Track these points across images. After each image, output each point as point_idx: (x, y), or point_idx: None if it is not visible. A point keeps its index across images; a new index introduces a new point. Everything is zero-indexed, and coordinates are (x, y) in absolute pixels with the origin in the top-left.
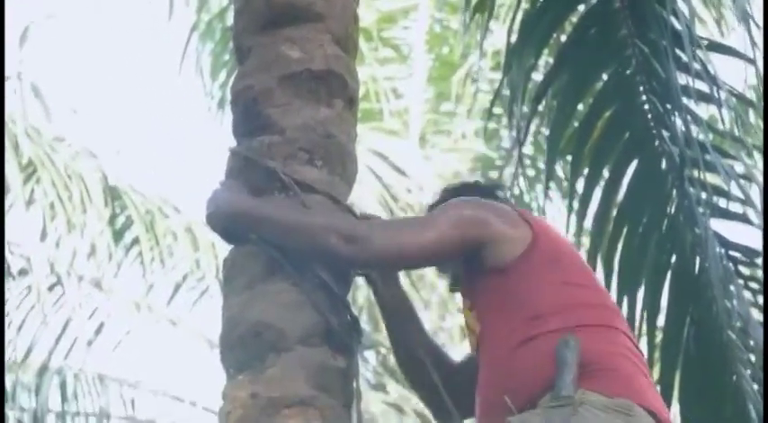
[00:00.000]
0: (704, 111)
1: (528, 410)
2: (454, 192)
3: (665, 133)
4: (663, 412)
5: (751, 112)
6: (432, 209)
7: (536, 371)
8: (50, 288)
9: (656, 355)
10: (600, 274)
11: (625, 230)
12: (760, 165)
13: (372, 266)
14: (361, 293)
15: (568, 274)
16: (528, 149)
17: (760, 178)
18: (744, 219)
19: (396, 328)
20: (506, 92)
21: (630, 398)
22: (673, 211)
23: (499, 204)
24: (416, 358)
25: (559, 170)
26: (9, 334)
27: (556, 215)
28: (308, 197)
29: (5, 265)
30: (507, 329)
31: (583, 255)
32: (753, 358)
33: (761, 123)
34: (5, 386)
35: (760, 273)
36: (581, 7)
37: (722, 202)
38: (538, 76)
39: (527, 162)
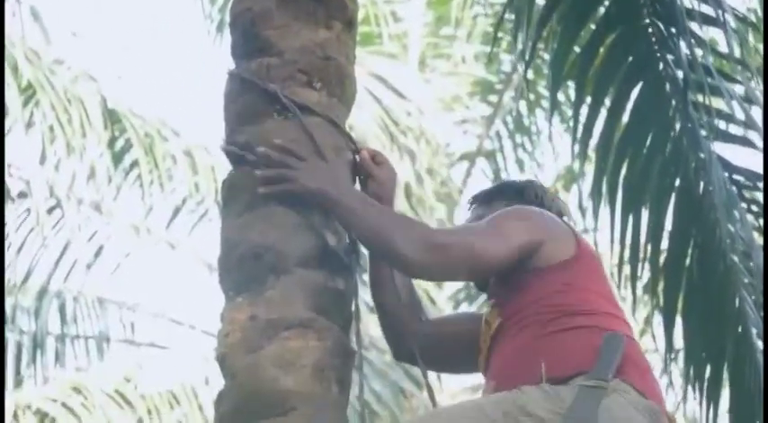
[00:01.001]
0: (705, 33)
1: (561, 386)
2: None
3: (670, 57)
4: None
5: (751, 35)
6: (487, 199)
7: (572, 356)
8: (50, 211)
9: (660, 278)
10: (604, 197)
11: (629, 154)
12: (761, 87)
13: (442, 276)
14: None
15: (602, 288)
16: (528, 73)
17: (762, 100)
18: (747, 142)
19: (377, 261)
20: (510, 15)
21: (659, 404)
22: (676, 134)
23: (551, 214)
24: (391, 299)
25: (560, 95)
26: (8, 256)
27: (556, 139)
28: (308, 119)
29: (5, 188)
30: (541, 321)
31: (588, 179)
32: (755, 282)
33: (760, 46)
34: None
35: (762, 196)
36: None
37: (725, 126)
38: (541, 1)
39: (527, 86)
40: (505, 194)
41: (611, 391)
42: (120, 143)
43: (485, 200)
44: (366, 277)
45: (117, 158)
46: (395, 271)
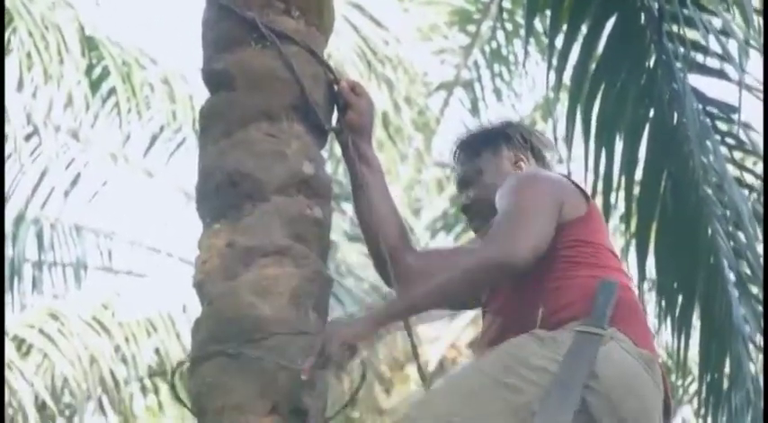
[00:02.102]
0: None
1: (557, 330)
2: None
3: None
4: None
5: None
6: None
7: (571, 302)
8: (27, 138)
9: (633, 208)
10: (578, 128)
11: (603, 85)
12: (738, 20)
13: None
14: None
15: (607, 243)
16: (506, 3)
17: (739, 33)
18: (721, 74)
19: (361, 188)
20: None
21: (653, 353)
22: (651, 65)
23: (558, 177)
24: (377, 225)
25: (538, 24)
26: None
27: (534, 70)
28: (286, 48)
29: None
30: (549, 268)
31: (562, 109)
32: (727, 213)
33: None
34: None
35: (736, 128)
36: None
37: (700, 58)
38: None
39: (505, 16)
40: (492, 143)
41: (607, 339)
42: (97, 71)
43: (473, 152)
44: (344, 206)
45: (94, 86)
46: (377, 203)
